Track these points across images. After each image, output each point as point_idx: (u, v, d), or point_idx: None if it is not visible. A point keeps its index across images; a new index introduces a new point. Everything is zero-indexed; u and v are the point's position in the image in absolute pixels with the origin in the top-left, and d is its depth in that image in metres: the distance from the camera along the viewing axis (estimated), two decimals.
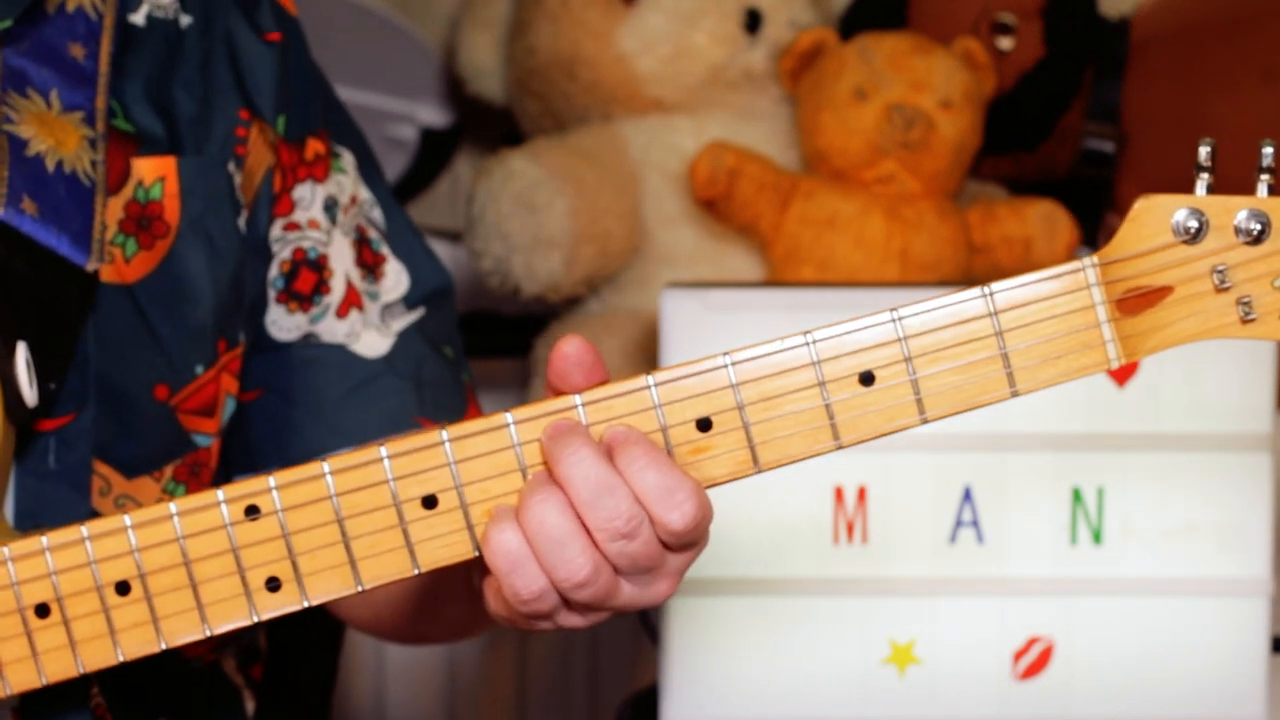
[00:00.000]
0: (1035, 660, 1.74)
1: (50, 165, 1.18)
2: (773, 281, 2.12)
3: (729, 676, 1.74)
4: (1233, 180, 1.04)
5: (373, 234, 1.37)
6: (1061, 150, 2.29)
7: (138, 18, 1.26)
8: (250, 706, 1.41)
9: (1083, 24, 2.26)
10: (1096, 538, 1.73)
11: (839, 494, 1.72)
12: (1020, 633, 1.74)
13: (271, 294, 1.33)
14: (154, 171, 1.24)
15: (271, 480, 1.03)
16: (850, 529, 1.72)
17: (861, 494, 1.72)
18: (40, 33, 1.21)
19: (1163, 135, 2.23)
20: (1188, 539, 1.73)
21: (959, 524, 1.73)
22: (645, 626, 1.88)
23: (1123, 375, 1.72)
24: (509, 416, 1.02)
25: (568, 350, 1.03)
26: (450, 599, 1.25)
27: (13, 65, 1.19)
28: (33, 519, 1.17)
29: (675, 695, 1.74)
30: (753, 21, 2.19)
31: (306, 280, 1.33)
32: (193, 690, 1.34)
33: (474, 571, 1.09)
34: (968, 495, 1.72)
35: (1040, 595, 1.73)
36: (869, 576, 1.73)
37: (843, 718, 1.74)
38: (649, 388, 1.02)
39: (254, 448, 1.33)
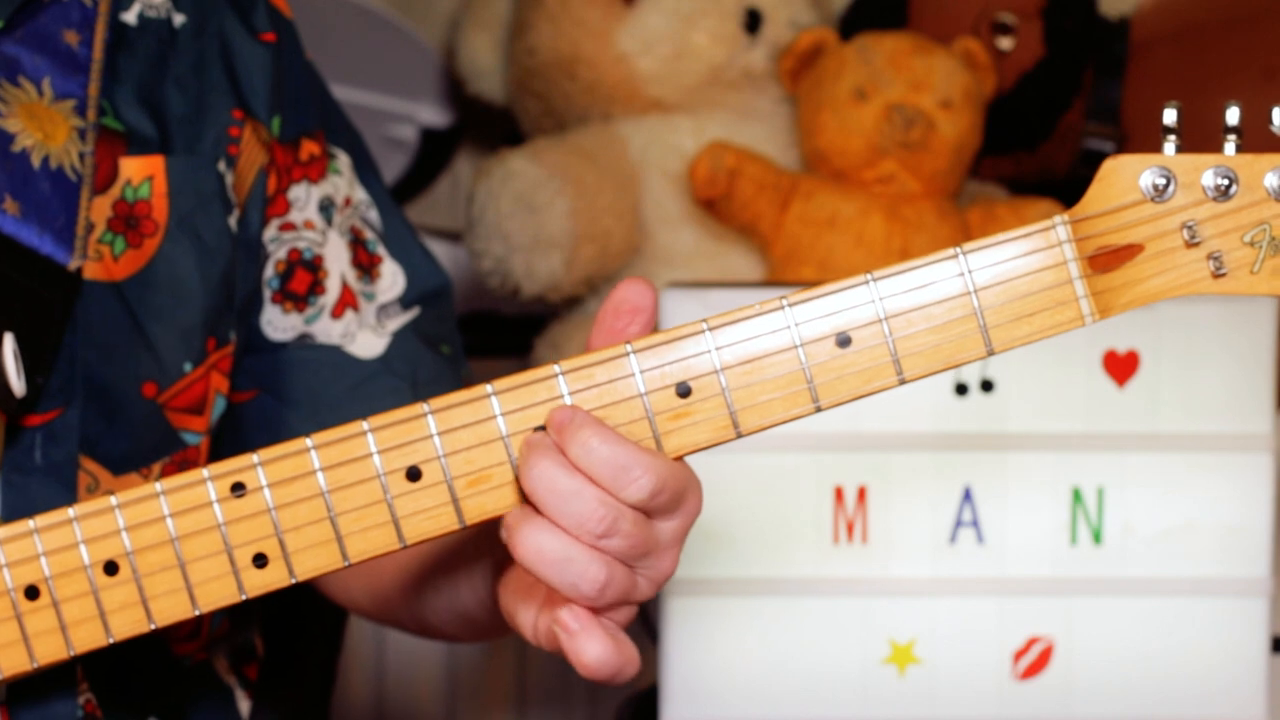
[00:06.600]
0: (1035, 660, 1.74)
1: (36, 161, 1.18)
2: (773, 281, 2.11)
3: (729, 676, 1.73)
4: None
5: (369, 234, 1.37)
6: (1061, 150, 2.29)
7: (130, 16, 1.26)
8: (245, 707, 1.40)
9: (1083, 24, 2.26)
10: (1096, 538, 1.73)
11: (839, 494, 1.72)
12: (1020, 633, 1.74)
13: (267, 294, 1.33)
14: (142, 171, 1.24)
15: (256, 457, 1.03)
16: (850, 529, 1.72)
17: (861, 494, 1.72)
18: (34, 21, 1.21)
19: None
20: (1188, 539, 1.72)
21: (959, 524, 1.72)
22: (645, 626, 1.87)
23: (1123, 375, 1.72)
24: (490, 387, 1.03)
25: (638, 301, 1.04)
26: (451, 582, 1.24)
27: (6, 52, 1.19)
28: (20, 515, 1.17)
29: (675, 695, 1.74)
30: (753, 21, 2.19)
31: (302, 280, 1.33)
32: (183, 688, 1.34)
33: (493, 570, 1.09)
34: (968, 495, 1.72)
35: (1040, 595, 1.73)
36: (869, 576, 1.73)
37: (843, 718, 1.74)
38: (628, 355, 1.03)
39: (249, 448, 1.33)
